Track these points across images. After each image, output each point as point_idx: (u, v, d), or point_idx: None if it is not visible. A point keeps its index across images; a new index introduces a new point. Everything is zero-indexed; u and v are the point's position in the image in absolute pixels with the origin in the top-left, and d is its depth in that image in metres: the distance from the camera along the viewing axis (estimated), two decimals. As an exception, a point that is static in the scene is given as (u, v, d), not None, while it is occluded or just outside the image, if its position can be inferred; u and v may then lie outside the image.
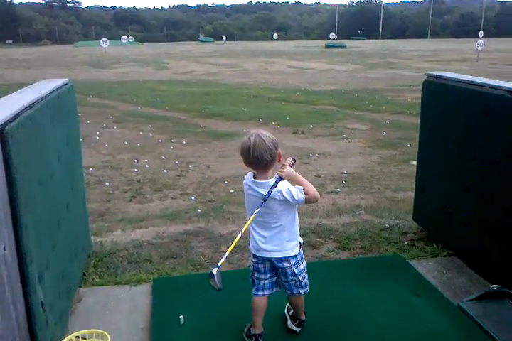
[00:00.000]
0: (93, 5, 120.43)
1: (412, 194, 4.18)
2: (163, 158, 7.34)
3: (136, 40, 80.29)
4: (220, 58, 33.37)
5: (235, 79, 20.40)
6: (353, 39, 74.07)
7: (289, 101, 13.64)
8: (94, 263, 3.50)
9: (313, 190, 2.56)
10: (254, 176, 2.61)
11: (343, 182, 6.16)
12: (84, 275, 3.38)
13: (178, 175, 6.45)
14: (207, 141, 8.62)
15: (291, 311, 2.96)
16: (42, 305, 2.04)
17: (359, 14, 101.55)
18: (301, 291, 2.84)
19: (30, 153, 2.24)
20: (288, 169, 2.61)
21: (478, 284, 3.19)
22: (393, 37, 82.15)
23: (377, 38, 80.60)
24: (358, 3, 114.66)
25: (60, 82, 3.18)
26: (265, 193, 2.52)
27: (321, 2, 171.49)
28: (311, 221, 4.27)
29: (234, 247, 2.44)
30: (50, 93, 2.80)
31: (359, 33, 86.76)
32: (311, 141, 8.74)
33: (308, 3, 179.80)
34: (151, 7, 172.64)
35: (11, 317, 1.95)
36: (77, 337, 2.48)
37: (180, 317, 2.96)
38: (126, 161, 7.17)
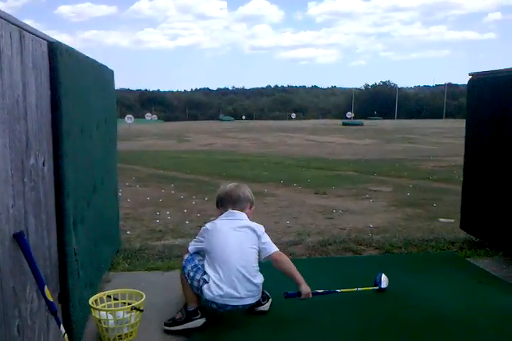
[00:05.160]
0: (119, 88, 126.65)
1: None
2: (184, 211, 7.27)
3: (159, 119, 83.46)
4: (239, 133, 34.24)
5: (255, 149, 20.74)
6: (369, 118, 75.81)
7: (309, 167, 13.72)
8: (123, 256, 3.41)
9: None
10: None
11: (369, 234, 5.96)
12: (112, 264, 3.29)
13: (199, 226, 6.31)
14: (229, 197, 8.55)
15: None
16: (75, 254, 1.90)
17: (374, 96, 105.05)
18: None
19: (74, 87, 2.22)
20: None
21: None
22: (408, 117, 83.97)
23: (393, 118, 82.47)
24: (372, 86, 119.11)
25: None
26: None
27: (337, 86, 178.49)
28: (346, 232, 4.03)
29: None
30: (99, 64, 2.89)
31: (375, 113, 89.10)
32: (334, 200, 8.62)
33: (325, 87, 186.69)
34: (175, 90, 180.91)
35: (42, 236, 1.82)
36: (109, 296, 2.34)
37: None
38: (148, 213, 7.11)
